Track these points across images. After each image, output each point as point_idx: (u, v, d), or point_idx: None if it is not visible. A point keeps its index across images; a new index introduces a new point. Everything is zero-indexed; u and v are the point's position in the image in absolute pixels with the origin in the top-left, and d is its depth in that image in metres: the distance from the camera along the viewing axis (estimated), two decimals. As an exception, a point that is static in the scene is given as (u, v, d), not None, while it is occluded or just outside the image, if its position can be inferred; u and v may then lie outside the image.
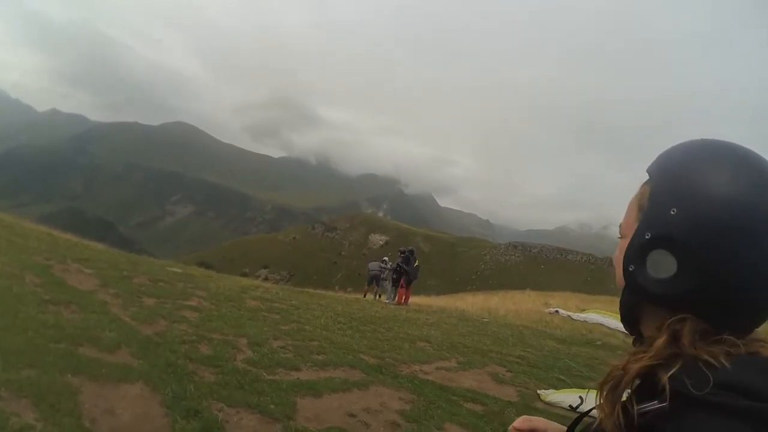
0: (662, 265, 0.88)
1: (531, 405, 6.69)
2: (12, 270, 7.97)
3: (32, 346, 5.01)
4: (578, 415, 1.10)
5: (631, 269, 0.93)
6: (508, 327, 14.25)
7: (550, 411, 6.54)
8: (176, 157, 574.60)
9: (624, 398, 0.86)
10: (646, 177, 0.99)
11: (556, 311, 18.61)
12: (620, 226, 1.02)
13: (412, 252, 18.71)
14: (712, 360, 0.79)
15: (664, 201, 0.90)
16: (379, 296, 20.40)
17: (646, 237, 0.91)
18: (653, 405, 0.80)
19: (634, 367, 0.86)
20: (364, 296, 20.68)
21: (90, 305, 7.29)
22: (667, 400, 0.78)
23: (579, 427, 1.07)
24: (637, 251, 0.92)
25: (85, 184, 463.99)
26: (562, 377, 8.49)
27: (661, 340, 0.86)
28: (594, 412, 0.94)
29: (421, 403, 6.04)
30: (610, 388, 0.88)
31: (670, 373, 0.80)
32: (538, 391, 7.33)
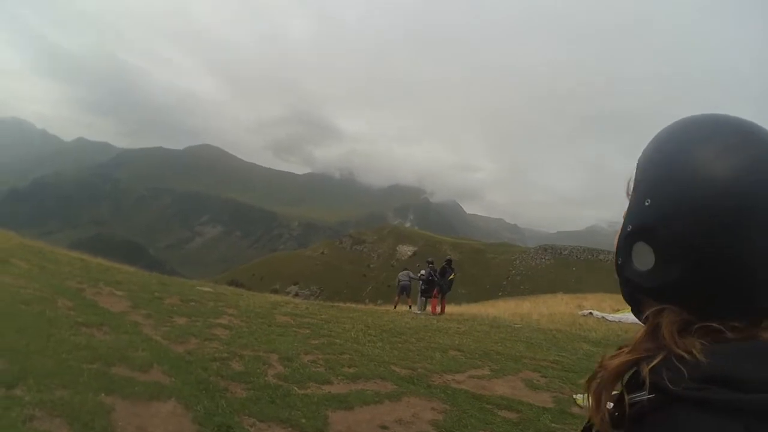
0: (642, 258, 0.87)
1: (567, 410, 6.54)
2: (45, 295, 8.13)
3: (65, 367, 5.09)
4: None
5: (619, 262, 0.93)
6: (542, 332, 14.03)
7: (587, 416, 6.40)
8: (202, 178, 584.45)
9: (616, 390, 0.84)
10: None
11: (590, 313, 18.29)
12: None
13: (449, 263, 18.45)
14: (685, 354, 0.76)
15: (640, 191, 0.88)
16: (410, 307, 20.10)
17: (628, 230, 0.90)
18: (642, 395, 0.77)
19: (613, 364, 0.84)
20: (395, 307, 20.37)
21: (122, 326, 7.40)
22: (648, 393, 0.76)
23: None
24: (622, 244, 0.92)
25: (114, 209, 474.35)
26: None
27: (639, 334, 0.85)
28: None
29: (454, 412, 5.96)
30: (594, 385, 0.86)
31: (651, 365, 0.77)
32: (574, 396, 7.18)
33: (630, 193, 0.92)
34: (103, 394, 4.61)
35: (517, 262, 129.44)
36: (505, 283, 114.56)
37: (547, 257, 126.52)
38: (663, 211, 0.83)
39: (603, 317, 17.37)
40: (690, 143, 0.84)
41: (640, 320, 0.95)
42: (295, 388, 6.04)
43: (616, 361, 0.84)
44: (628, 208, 0.91)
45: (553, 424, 5.87)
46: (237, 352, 7.22)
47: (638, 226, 0.87)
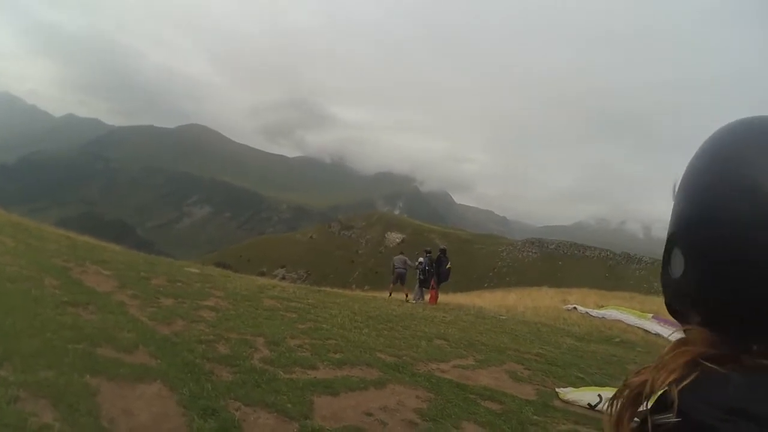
0: (676, 264, 0.84)
1: (549, 403, 6.62)
2: (30, 273, 8.08)
3: (50, 347, 5.07)
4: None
5: (661, 270, 0.89)
6: (526, 324, 14.15)
7: (569, 409, 6.48)
8: (192, 159, 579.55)
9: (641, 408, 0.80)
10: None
11: (574, 308, 18.44)
12: None
13: (444, 252, 18.36)
14: (716, 379, 0.73)
15: (678, 196, 0.86)
16: (407, 296, 19.76)
17: (668, 235, 0.87)
18: (668, 418, 0.74)
19: (636, 382, 0.80)
20: (390, 295, 19.91)
21: (108, 306, 7.37)
22: (675, 416, 0.73)
23: None
24: (664, 251, 0.88)
25: (103, 187, 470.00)
26: (580, 375, 8.40)
27: (669, 350, 0.80)
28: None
29: (439, 401, 6.01)
30: (617, 404, 0.83)
31: (680, 387, 0.74)
32: (557, 389, 7.26)
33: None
34: (88, 376, 4.60)
35: (504, 254, 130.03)
36: (491, 274, 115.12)
37: (533, 251, 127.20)
38: (689, 217, 0.82)
39: (587, 312, 17.52)
40: (713, 149, 0.83)
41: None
42: (281, 373, 6.04)
43: (638, 380, 0.80)
44: (671, 213, 0.88)
45: (535, 417, 5.94)
46: (223, 334, 7.21)
47: (673, 232, 0.85)
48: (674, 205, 0.86)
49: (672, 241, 0.85)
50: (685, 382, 0.74)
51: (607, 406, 0.85)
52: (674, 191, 0.88)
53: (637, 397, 0.80)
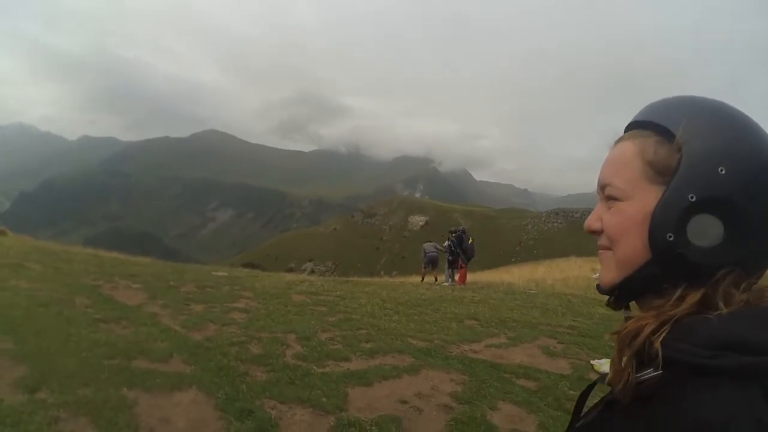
0: (707, 232, 0.75)
1: (584, 377, 6.54)
2: (61, 295, 8.22)
3: (86, 365, 5.17)
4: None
5: (669, 238, 0.76)
6: (556, 297, 14.02)
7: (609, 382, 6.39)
8: (210, 164, 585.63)
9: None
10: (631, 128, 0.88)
11: (604, 275, 18.21)
12: (608, 185, 0.86)
13: (464, 231, 18.36)
14: (699, 318, 0.72)
15: (708, 159, 0.75)
16: (436, 279, 19.86)
17: (691, 200, 0.75)
18: (649, 373, 0.72)
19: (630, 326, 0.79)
20: (422, 279, 20.07)
21: (140, 319, 7.48)
22: (661, 367, 0.71)
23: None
24: (676, 216, 0.76)
25: (124, 203, 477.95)
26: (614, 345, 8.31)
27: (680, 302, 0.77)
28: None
29: (473, 383, 5.97)
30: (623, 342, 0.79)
31: (661, 338, 0.72)
32: (592, 362, 7.17)
33: (663, 161, 0.79)
34: (125, 389, 4.67)
35: (530, 227, 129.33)
36: (518, 248, 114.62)
37: (559, 221, 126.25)
38: (744, 181, 0.74)
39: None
40: (746, 120, 0.78)
41: (619, 304, 0.90)
42: (314, 367, 6.07)
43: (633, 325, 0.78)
44: (685, 176, 0.76)
45: (571, 391, 5.88)
46: (255, 335, 7.28)
47: (709, 196, 0.75)
48: (700, 168, 0.76)
49: (700, 206, 0.75)
50: (664, 333, 0.73)
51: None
52: (691, 154, 0.78)
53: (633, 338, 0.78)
